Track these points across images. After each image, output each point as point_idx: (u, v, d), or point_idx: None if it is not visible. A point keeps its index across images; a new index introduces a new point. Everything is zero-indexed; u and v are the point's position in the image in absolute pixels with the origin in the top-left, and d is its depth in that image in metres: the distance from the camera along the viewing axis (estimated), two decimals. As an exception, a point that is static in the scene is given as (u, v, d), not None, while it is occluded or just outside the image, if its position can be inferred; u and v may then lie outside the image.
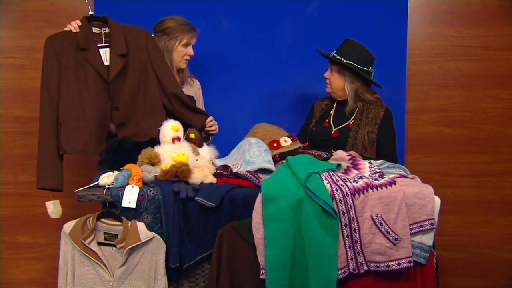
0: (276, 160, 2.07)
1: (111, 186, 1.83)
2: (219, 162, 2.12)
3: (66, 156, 2.18)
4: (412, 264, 1.72)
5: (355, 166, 1.91)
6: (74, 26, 2.19)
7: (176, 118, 2.12)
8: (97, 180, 1.87)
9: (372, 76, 2.42)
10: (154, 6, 2.73)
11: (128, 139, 2.08)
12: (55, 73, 2.14)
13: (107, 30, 2.21)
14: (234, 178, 1.90)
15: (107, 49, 2.19)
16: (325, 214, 1.72)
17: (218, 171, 1.96)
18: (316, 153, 2.11)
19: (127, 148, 2.01)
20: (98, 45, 2.19)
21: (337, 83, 2.45)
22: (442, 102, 2.92)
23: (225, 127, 2.50)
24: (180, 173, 1.85)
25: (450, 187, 2.95)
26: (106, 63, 2.18)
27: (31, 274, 2.99)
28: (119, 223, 1.80)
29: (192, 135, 2.18)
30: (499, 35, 2.86)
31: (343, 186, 1.77)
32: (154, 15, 2.46)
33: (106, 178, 1.85)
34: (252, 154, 2.04)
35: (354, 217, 1.74)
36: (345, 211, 1.74)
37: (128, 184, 1.82)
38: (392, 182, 1.78)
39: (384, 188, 1.76)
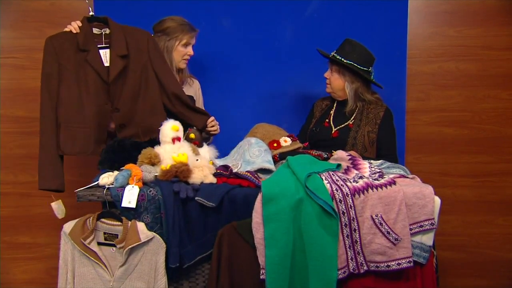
0: (276, 160, 2.07)
1: (111, 186, 1.83)
2: (219, 162, 2.12)
3: (66, 156, 2.18)
4: (412, 264, 1.72)
5: (355, 166, 1.91)
6: (74, 26, 2.19)
7: (177, 119, 2.11)
8: (97, 180, 1.87)
9: (372, 76, 2.42)
10: (154, 6, 2.72)
11: (128, 139, 2.08)
12: (55, 73, 2.13)
13: (108, 31, 2.21)
14: (234, 178, 1.90)
15: (107, 50, 2.18)
16: (325, 214, 1.72)
17: (218, 171, 1.95)
18: (316, 153, 2.11)
19: (127, 148, 2.01)
20: (98, 46, 2.18)
21: (337, 83, 2.45)
22: (442, 102, 2.91)
23: (225, 127, 2.50)
24: (180, 173, 1.85)
25: (450, 187, 2.95)
26: (106, 64, 2.17)
27: (31, 274, 2.99)
28: (119, 223, 1.80)
29: (192, 135, 2.18)
30: (499, 35, 2.86)
31: (343, 186, 1.77)
32: (154, 15, 2.46)
33: (106, 178, 1.85)
34: (252, 154, 2.04)
35: (354, 217, 1.74)
36: (345, 211, 1.74)
37: (128, 184, 1.82)
38: (392, 182, 1.78)
39: (384, 188, 1.76)
